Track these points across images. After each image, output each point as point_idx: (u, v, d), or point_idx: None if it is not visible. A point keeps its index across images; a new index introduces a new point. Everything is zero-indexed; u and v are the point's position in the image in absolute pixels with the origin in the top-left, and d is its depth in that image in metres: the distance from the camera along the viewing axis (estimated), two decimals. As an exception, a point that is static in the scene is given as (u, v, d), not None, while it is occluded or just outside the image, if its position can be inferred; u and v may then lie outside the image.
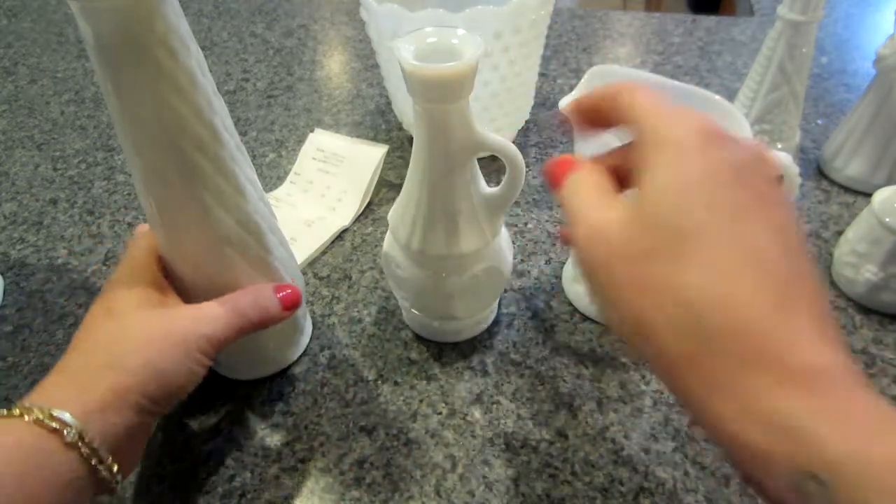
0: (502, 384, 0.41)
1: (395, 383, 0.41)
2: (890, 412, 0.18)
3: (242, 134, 0.65)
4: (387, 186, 0.58)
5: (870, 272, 0.43)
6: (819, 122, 0.64)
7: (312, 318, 0.45)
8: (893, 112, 0.51)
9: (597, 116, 0.26)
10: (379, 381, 0.41)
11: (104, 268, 0.51)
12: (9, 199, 0.58)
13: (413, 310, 0.42)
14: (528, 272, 0.49)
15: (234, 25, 0.88)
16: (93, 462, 0.27)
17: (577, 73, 0.73)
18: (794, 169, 0.34)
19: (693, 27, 0.82)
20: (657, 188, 0.21)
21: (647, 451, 0.37)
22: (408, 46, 0.30)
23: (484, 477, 0.36)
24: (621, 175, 0.25)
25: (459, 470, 0.36)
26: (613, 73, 0.39)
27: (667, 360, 0.20)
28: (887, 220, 0.41)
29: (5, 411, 0.27)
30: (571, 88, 0.40)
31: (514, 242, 0.48)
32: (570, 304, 0.46)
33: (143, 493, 0.36)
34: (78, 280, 0.50)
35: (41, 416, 0.26)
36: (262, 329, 0.35)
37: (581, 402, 0.39)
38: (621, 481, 0.35)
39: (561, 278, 0.48)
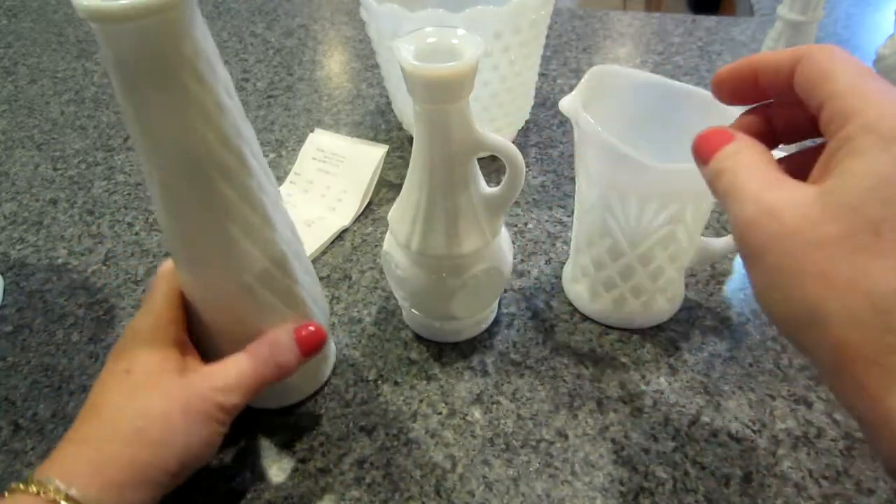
0: (502, 384, 0.41)
1: (395, 383, 0.41)
2: None
3: (242, 134, 0.65)
4: (387, 186, 0.58)
5: None
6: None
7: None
8: (893, 112, 0.50)
9: (751, 85, 0.24)
10: (379, 381, 0.41)
11: (104, 268, 0.51)
12: (9, 199, 0.58)
13: (413, 310, 0.42)
14: (528, 272, 0.49)
15: (234, 25, 0.88)
16: None
17: (577, 73, 0.73)
18: None
19: (693, 27, 0.82)
20: (856, 174, 0.19)
21: (647, 451, 0.37)
22: (408, 46, 0.30)
23: (484, 477, 0.36)
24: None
25: (459, 470, 0.36)
26: (614, 73, 0.39)
27: (842, 353, 0.19)
28: None
29: (21, 485, 0.27)
30: (571, 88, 0.40)
31: (514, 242, 0.48)
32: (570, 304, 0.46)
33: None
34: (78, 280, 0.50)
35: (57, 498, 0.26)
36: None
37: (581, 402, 0.40)
38: (621, 481, 0.36)
39: (561, 278, 0.48)
